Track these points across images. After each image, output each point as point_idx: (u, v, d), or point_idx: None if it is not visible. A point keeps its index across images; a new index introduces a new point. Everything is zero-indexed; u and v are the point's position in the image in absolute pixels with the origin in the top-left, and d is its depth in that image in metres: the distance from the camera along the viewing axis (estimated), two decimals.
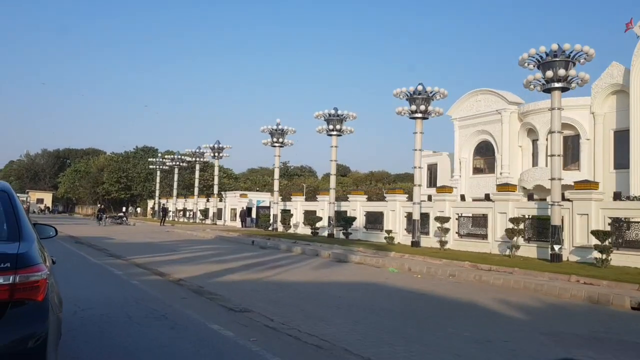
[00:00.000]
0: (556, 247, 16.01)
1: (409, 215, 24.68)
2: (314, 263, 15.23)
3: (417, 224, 21.93)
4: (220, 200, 45.19)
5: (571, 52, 16.70)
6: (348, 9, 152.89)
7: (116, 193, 69.02)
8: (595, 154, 28.73)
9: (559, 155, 17.33)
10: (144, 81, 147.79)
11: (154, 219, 53.76)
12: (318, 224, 29.16)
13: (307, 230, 31.02)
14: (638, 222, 15.58)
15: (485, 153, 36.98)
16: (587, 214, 16.77)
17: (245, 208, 40.62)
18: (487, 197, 21.72)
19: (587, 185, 17.69)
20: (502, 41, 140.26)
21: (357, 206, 27.79)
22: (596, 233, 15.22)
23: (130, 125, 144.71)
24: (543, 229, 18.18)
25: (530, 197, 32.19)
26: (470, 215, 21.84)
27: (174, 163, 52.30)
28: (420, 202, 22.39)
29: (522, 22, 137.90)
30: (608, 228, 15.76)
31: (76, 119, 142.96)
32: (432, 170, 42.18)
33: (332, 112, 27.42)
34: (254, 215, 41.02)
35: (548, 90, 17.42)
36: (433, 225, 22.82)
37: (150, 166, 58.05)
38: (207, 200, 48.30)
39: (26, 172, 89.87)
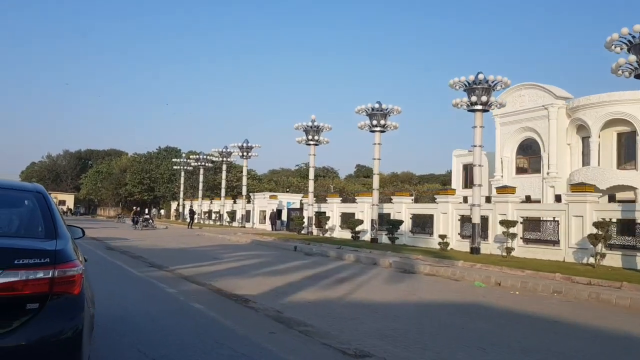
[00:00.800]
0: None
1: (463, 219, 22.64)
2: (380, 275, 13.29)
3: (478, 229, 19.84)
4: (249, 202, 43.45)
5: None
6: (368, 11, 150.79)
7: (139, 194, 67.79)
8: None
9: None
10: (163, 82, 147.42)
11: (177, 221, 52.31)
12: (358, 228, 27.21)
13: (344, 234, 29.09)
14: None
15: (530, 152, 34.72)
16: None
17: (275, 210, 38.78)
18: (559, 199, 19.55)
19: None
20: (549, 32, 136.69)
21: (402, 208, 25.75)
22: None
23: (151, 126, 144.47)
24: (630, 235, 16.04)
25: (558, 199, 29.84)
26: (538, 218, 19.70)
27: (199, 163, 50.74)
28: (480, 204, 20.30)
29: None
30: None
31: (96, 120, 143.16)
32: (468, 170, 39.98)
33: (376, 106, 25.42)
34: (284, 217, 39.15)
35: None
36: (493, 230, 20.73)
37: (174, 167, 56.63)
38: (234, 202, 46.60)
39: (48, 173, 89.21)
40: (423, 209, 25.48)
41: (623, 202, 22.71)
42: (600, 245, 15.85)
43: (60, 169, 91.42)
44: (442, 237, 21.25)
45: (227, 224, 44.33)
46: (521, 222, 19.75)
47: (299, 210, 36.34)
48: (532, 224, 19.73)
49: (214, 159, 48.72)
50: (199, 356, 4.87)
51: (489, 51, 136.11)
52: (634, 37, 15.00)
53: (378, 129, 25.64)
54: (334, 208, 31.62)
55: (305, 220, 31.75)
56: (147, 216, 38.56)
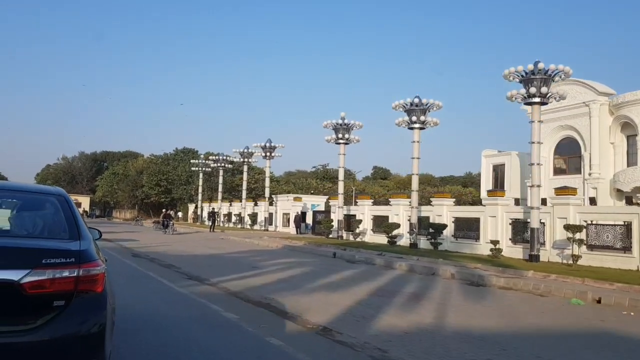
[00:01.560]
0: None
1: (514, 223, 20.82)
2: (450, 289, 11.55)
3: (537, 234, 18.05)
4: (271, 204, 41.85)
5: None
6: (399, 13, 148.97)
7: (156, 197, 66.54)
8: None
9: None
10: (178, 84, 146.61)
11: (196, 224, 50.91)
12: (394, 232, 25.47)
13: (377, 239, 27.36)
14: None
15: (569, 151, 32.70)
16: None
17: (299, 213, 37.11)
18: (629, 201, 17.68)
19: None
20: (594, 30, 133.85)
21: (444, 211, 23.94)
22: None
23: (166, 128, 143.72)
24: None
25: (628, 201, 27.83)
26: (604, 222, 17.82)
27: (218, 165, 49.26)
28: (539, 206, 18.47)
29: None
30: None
31: (112, 122, 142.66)
32: (499, 171, 38.03)
33: (415, 101, 23.66)
34: (308, 220, 37.46)
35: None
36: (551, 235, 18.91)
37: (193, 168, 55.21)
38: (255, 204, 45.03)
39: (63, 175, 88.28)
40: (468, 211, 23.68)
41: None
42: None
43: (76, 171, 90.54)
44: (495, 242, 19.43)
45: (248, 227, 42.77)
46: (585, 227, 17.91)
47: (324, 213, 34.67)
48: (598, 228, 17.86)
49: (234, 159, 47.21)
50: None
51: (511, 48, 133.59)
52: None
53: (417, 125, 23.89)
54: (365, 211, 29.88)
55: (335, 223, 30.08)
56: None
